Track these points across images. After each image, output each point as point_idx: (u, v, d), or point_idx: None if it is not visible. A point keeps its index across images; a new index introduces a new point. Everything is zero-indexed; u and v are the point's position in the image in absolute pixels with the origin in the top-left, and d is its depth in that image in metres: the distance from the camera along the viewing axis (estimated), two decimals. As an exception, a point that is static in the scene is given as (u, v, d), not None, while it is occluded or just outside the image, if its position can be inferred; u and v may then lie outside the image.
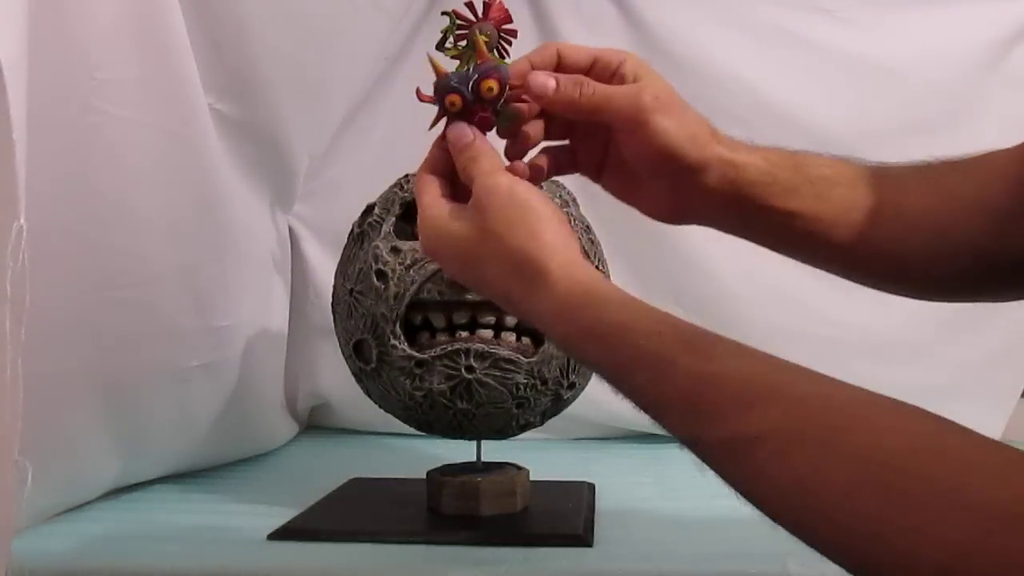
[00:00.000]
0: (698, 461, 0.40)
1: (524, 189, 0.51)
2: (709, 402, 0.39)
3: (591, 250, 0.85)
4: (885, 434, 0.35)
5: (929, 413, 0.35)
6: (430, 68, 0.90)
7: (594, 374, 0.47)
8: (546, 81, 0.55)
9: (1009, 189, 0.56)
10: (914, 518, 0.32)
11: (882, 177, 0.59)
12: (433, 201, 0.57)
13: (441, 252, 0.55)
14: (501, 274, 0.49)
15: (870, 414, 0.36)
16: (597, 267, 0.85)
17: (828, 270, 0.63)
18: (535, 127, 0.59)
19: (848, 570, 0.35)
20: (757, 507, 0.38)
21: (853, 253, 0.60)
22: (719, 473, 0.39)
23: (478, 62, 0.59)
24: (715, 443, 0.39)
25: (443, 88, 0.59)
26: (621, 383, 0.43)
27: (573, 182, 1.04)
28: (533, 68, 0.58)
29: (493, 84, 0.58)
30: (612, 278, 0.91)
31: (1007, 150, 0.58)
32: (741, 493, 0.39)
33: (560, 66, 0.58)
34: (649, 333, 0.42)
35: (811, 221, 0.59)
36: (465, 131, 0.57)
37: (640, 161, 0.56)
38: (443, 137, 0.59)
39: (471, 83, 0.58)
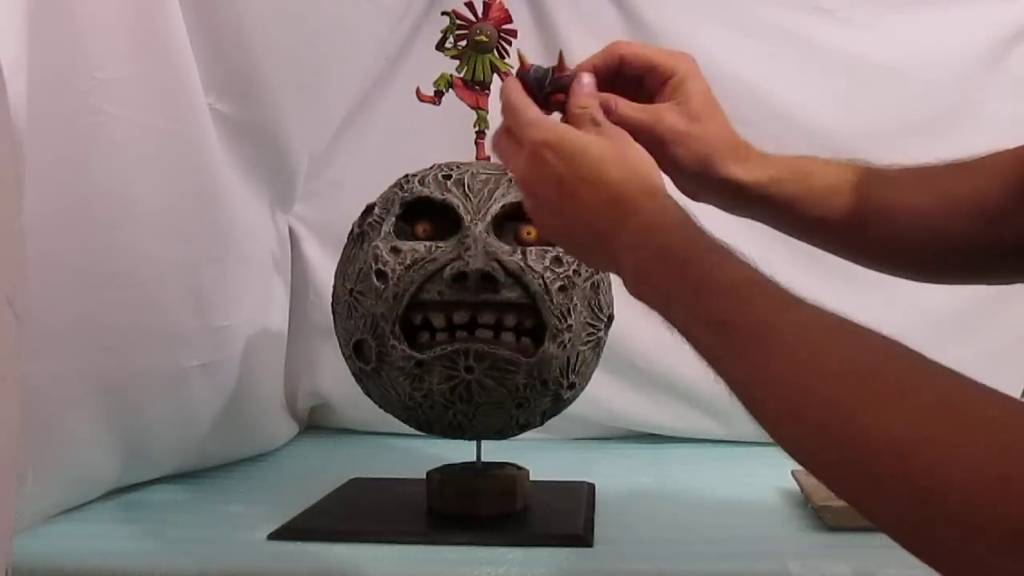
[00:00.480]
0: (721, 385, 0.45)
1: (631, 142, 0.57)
2: (752, 295, 0.45)
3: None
4: (869, 338, 0.42)
5: (911, 349, 0.41)
6: (430, 68, 0.91)
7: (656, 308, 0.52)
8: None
9: (1009, 188, 0.60)
10: (884, 401, 0.38)
11: (882, 181, 0.64)
12: (541, 116, 0.59)
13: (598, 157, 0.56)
14: (607, 201, 0.54)
15: (864, 328, 0.43)
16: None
17: (826, 251, 0.69)
18: None
19: (826, 459, 0.40)
20: (754, 393, 0.43)
21: (851, 247, 0.67)
22: (734, 361, 0.44)
23: (556, 73, 0.63)
24: (742, 325, 0.44)
25: (524, 80, 0.64)
26: (683, 275, 0.49)
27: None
28: (596, 71, 0.62)
29: (562, 97, 0.62)
30: (612, 277, 0.91)
31: (1009, 151, 0.61)
32: (744, 380, 0.44)
33: (620, 68, 0.63)
34: (712, 247, 0.49)
35: (812, 221, 0.65)
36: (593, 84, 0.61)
37: (659, 163, 0.61)
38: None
39: (544, 88, 0.63)
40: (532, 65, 0.64)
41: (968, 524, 0.34)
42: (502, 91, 0.62)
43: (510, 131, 0.60)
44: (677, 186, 0.64)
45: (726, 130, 0.63)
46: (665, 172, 0.61)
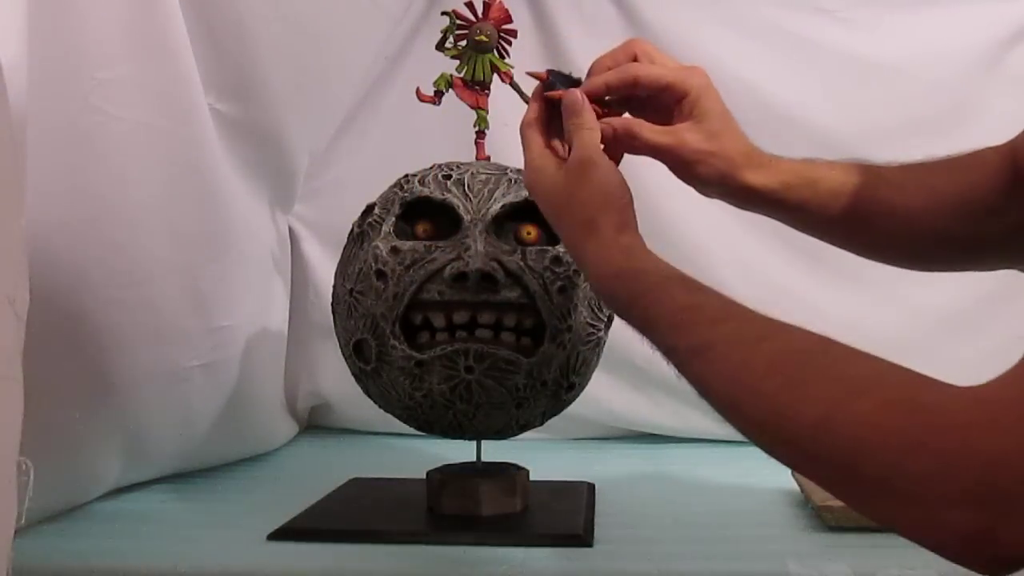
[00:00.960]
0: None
1: (609, 171, 0.63)
2: (687, 320, 0.53)
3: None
4: (793, 339, 0.48)
5: (834, 339, 0.47)
6: (430, 68, 0.90)
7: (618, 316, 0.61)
8: (606, 131, 0.66)
9: (994, 185, 0.66)
10: (800, 390, 0.44)
11: (880, 181, 0.69)
12: (541, 152, 0.67)
13: (539, 194, 0.67)
14: (572, 224, 0.63)
15: (790, 329, 0.49)
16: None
17: (832, 245, 0.75)
18: None
19: (766, 443, 0.47)
20: (709, 400, 0.51)
21: (854, 242, 0.74)
22: (686, 375, 0.52)
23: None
24: (685, 349, 0.52)
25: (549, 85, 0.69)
26: (630, 310, 0.57)
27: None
28: (610, 89, 0.68)
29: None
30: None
31: (992, 148, 0.68)
32: (699, 390, 0.51)
33: (634, 90, 0.68)
34: (658, 274, 0.57)
35: (819, 221, 0.71)
36: (578, 97, 0.66)
37: (682, 178, 0.70)
38: (542, 95, 0.69)
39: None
40: (550, 73, 0.70)
41: (884, 484, 0.40)
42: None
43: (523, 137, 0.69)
44: (697, 191, 0.71)
45: (742, 142, 0.68)
46: (686, 183, 0.69)
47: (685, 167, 0.67)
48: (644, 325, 0.57)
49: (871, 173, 0.69)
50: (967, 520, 0.38)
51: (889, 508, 0.41)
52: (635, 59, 0.68)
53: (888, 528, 0.41)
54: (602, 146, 0.65)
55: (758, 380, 0.47)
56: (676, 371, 0.54)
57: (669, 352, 0.55)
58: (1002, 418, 0.38)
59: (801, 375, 0.45)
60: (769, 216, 0.72)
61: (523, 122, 0.69)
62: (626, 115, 0.69)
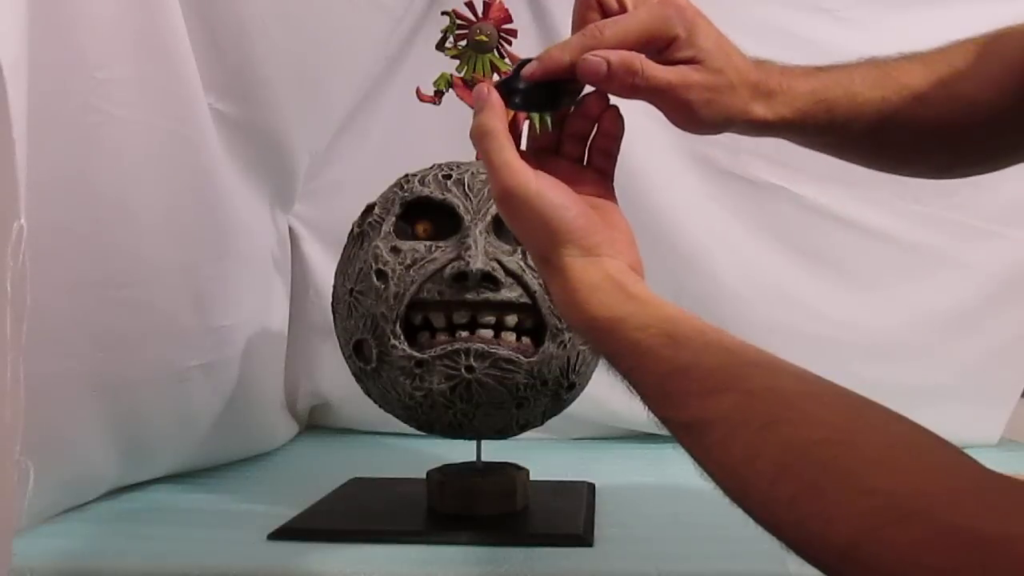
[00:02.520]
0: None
1: (537, 196, 0.52)
2: (677, 390, 0.44)
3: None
4: (809, 427, 0.39)
5: (862, 407, 0.39)
6: (430, 68, 0.90)
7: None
8: (599, 67, 0.53)
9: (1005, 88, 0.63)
10: (821, 504, 0.36)
11: (904, 93, 0.63)
12: (522, 167, 0.53)
13: (507, 213, 0.54)
14: (536, 264, 0.54)
15: (805, 406, 0.40)
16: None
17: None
18: None
19: (785, 547, 0.39)
20: (711, 481, 0.43)
21: (872, 159, 0.69)
22: (684, 449, 0.44)
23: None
24: (679, 425, 0.44)
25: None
26: (614, 367, 0.49)
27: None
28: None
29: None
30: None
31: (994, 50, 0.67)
32: (700, 469, 0.44)
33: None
34: (637, 326, 0.47)
35: (835, 144, 0.65)
36: (482, 90, 0.56)
37: (680, 122, 0.60)
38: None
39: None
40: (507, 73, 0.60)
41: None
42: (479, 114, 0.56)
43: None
44: (695, 133, 0.61)
45: (746, 71, 0.59)
46: (683, 127, 0.59)
47: (687, 110, 0.57)
48: (629, 387, 0.48)
49: (891, 84, 0.63)
50: None
51: None
52: (599, 8, 0.57)
53: None
54: (591, 91, 0.56)
55: (767, 483, 0.38)
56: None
57: (661, 422, 0.46)
58: None
59: (822, 482, 0.37)
60: (782, 138, 0.65)
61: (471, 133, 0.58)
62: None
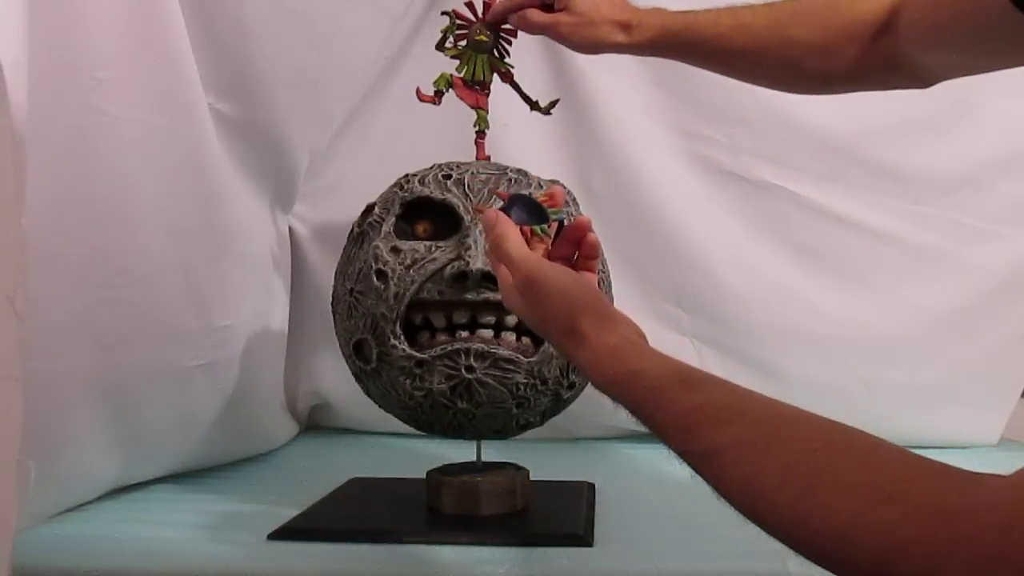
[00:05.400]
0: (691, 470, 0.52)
1: (558, 276, 0.61)
2: (693, 423, 0.51)
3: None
4: (805, 441, 0.46)
5: (841, 425, 0.46)
6: (430, 68, 0.90)
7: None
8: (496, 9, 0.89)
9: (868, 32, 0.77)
10: (820, 499, 0.42)
11: (736, 28, 0.82)
12: (504, 278, 0.63)
13: (522, 319, 0.64)
14: (558, 340, 0.61)
15: (799, 427, 0.47)
16: (600, 269, 0.85)
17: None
18: None
19: (793, 549, 0.44)
20: (727, 503, 0.48)
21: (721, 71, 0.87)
22: (703, 478, 0.50)
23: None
24: (696, 454, 0.50)
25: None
26: (637, 415, 0.56)
27: (574, 183, 1.04)
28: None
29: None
30: (612, 277, 0.91)
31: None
32: (716, 493, 0.49)
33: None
34: (655, 376, 0.55)
35: (686, 59, 0.87)
36: (491, 217, 0.65)
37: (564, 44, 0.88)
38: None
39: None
40: (511, 195, 0.67)
41: None
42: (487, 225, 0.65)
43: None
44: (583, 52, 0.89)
45: (608, 13, 0.84)
46: (576, 51, 0.88)
47: (563, 39, 0.86)
48: (652, 430, 0.55)
49: (730, 21, 0.82)
50: None
51: None
52: None
53: None
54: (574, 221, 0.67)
55: (773, 490, 0.44)
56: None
57: (681, 456, 0.53)
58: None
59: (818, 482, 0.43)
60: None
61: (488, 250, 0.66)
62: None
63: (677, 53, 0.85)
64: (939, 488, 0.39)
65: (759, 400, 0.50)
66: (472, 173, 0.83)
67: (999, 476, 0.38)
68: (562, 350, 0.61)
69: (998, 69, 0.75)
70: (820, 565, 0.43)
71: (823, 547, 0.42)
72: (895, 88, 0.82)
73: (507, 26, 0.90)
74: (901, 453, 0.42)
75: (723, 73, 0.87)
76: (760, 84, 0.88)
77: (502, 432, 0.85)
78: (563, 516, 0.84)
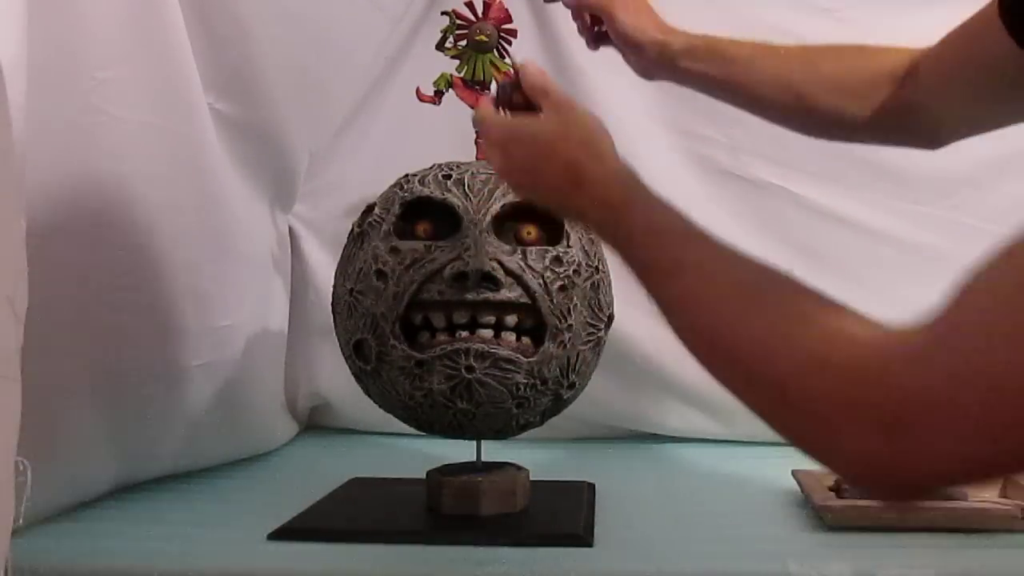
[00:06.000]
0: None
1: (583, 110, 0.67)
2: (662, 244, 0.57)
3: (591, 249, 0.85)
4: (752, 272, 0.52)
5: (784, 274, 0.51)
6: (430, 68, 0.90)
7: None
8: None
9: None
10: (752, 317, 0.48)
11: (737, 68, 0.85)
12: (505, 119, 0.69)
13: (513, 151, 0.66)
14: (555, 173, 0.63)
15: (746, 262, 0.53)
16: (598, 267, 0.85)
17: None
18: None
19: (714, 364, 0.50)
20: (670, 320, 0.54)
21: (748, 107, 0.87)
22: (660, 294, 0.55)
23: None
24: (660, 269, 0.56)
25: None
26: (617, 251, 0.60)
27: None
28: None
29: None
30: (613, 276, 0.91)
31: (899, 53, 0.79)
32: (668, 309, 0.54)
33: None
34: (645, 210, 0.59)
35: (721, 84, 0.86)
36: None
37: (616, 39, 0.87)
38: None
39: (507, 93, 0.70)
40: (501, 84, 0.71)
41: (808, 405, 0.44)
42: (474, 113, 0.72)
43: (480, 134, 0.71)
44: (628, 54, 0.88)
45: (653, 19, 0.88)
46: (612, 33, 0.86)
47: (612, 20, 0.86)
48: (627, 245, 0.59)
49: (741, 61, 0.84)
50: (873, 445, 0.41)
51: (811, 428, 0.44)
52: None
53: (811, 453, 0.45)
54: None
55: (715, 303, 0.51)
56: (649, 293, 0.56)
57: (644, 271, 0.57)
58: (923, 355, 0.42)
59: (755, 305, 0.49)
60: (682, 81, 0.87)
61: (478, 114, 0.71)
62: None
63: (701, 68, 0.86)
64: (852, 321, 0.46)
65: (715, 240, 0.56)
66: (472, 173, 0.83)
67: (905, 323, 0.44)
68: (560, 194, 0.63)
69: (1010, 123, 0.75)
70: (732, 384, 0.49)
71: (740, 359, 0.48)
72: (907, 146, 0.83)
73: (508, 26, 0.89)
74: (833, 299, 0.47)
75: (740, 103, 0.87)
76: (771, 118, 0.88)
77: (502, 432, 0.85)
78: (563, 516, 0.84)
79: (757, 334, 0.47)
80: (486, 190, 0.81)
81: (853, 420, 0.42)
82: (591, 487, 0.96)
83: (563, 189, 0.63)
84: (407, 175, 0.86)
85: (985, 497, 0.84)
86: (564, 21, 1.28)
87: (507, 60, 0.90)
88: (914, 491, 0.45)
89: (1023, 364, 0.38)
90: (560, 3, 0.91)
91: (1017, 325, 0.38)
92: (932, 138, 0.80)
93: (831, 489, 0.87)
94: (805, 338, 0.45)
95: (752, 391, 0.48)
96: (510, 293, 0.78)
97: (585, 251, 0.84)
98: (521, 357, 0.79)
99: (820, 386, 0.43)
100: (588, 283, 0.82)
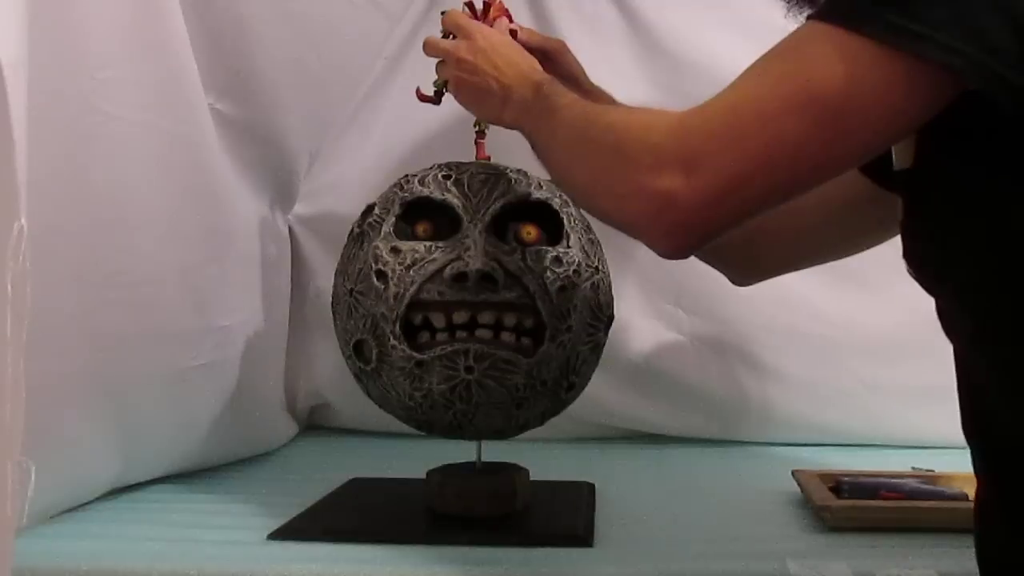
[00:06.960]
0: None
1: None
2: (554, 109, 0.69)
3: (591, 250, 0.85)
4: (588, 115, 0.66)
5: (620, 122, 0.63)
6: (430, 68, 0.90)
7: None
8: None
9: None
10: (580, 157, 0.65)
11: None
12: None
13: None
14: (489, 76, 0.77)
15: (594, 110, 0.68)
16: (597, 267, 0.85)
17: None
18: None
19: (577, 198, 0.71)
20: (543, 161, 0.71)
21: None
22: (543, 143, 0.71)
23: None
24: (544, 130, 0.70)
25: None
26: (527, 130, 0.73)
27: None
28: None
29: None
30: (612, 277, 0.91)
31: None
32: (541, 157, 0.71)
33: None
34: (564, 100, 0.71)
35: None
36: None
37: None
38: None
39: None
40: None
41: (618, 164, 0.59)
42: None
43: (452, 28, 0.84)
44: None
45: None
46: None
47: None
48: (536, 121, 0.71)
49: None
50: (675, 183, 0.54)
51: (611, 181, 0.59)
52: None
53: (610, 212, 0.62)
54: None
55: (560, 153, 0.68)
56: (537, 149, 0.71)
57: (531, 135, 0.72)
58: (704, 105, 0.56)
59: (585, 152, 0.65)
60: None
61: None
62: None
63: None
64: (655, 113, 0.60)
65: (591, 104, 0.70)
66: (472, 173, 0.83)
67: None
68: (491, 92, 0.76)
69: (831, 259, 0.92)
70: (563, 166, 0.67)
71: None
72: (718, 269, 0.92)
73: (509, 26, 0.89)
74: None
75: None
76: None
77: (502, 432, 0.85)
78: (563, 516, 0.84)
79: (585, 177, 0.64)
80: (486, 190, 0.81)
81: (656, 164, 0.55)
82: (591, 487, 0.96)
83: (492, 89, 0.76)
84: (407, 175, 0.86)
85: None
86: (564, 21, 1.28)
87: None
88: (704, 227, 0.56)
89: (767, 97, 0.54)
90: (560, 2, 0.92)
91: (765, 70, 0.56)
92: (745, 273, 0.90)
93: (831, 489, 0.87)
94: (615, 122, 0.61)
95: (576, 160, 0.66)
96: (510, 293, 0.78)
97: (585, 251, 0.84)
98: (521, 357, 0.79)
99: (630, 152, 0.57)
100: (588, 284, 0.82)
